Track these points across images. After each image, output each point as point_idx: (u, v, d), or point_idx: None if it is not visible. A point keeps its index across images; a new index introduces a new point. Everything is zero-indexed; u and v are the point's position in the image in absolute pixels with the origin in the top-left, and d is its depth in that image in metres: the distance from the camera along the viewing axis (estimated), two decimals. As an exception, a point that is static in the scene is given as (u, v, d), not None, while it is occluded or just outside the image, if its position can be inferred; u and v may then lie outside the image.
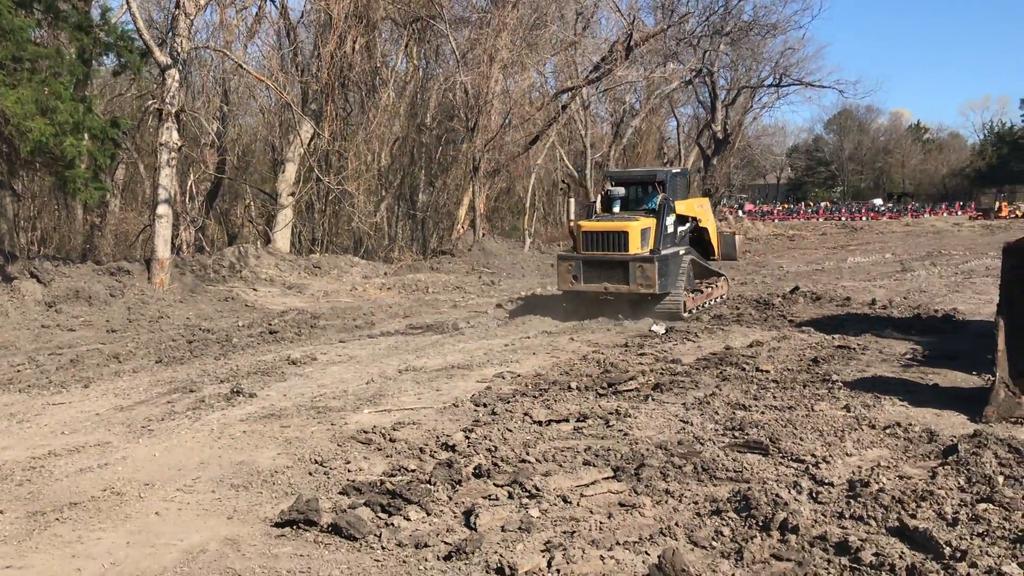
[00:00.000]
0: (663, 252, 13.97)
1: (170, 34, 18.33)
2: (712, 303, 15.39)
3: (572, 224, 15.47)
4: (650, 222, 14.36)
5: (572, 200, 17.21)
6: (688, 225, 15.61)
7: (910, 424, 6.53)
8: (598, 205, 15.73)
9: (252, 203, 29.10)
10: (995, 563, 3.93)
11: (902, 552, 4.18)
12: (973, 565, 3.92)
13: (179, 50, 17.62)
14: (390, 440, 6.49)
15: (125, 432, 7.09)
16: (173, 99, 17.39)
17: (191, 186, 23.86)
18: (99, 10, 18.87)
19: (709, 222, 16.63)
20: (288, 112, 22.99)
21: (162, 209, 17.41)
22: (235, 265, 19.47)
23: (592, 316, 14.03)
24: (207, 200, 26.02)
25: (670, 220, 14.63)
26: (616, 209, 15.21)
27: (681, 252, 14.64)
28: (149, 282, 16.74)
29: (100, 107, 20.78)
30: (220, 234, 28.70)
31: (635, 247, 13.93)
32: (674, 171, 16.16)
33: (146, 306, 15.03)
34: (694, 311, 14.51)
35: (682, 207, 15.37)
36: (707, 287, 15.57)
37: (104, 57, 19.61)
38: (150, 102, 19.32)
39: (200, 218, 24.73)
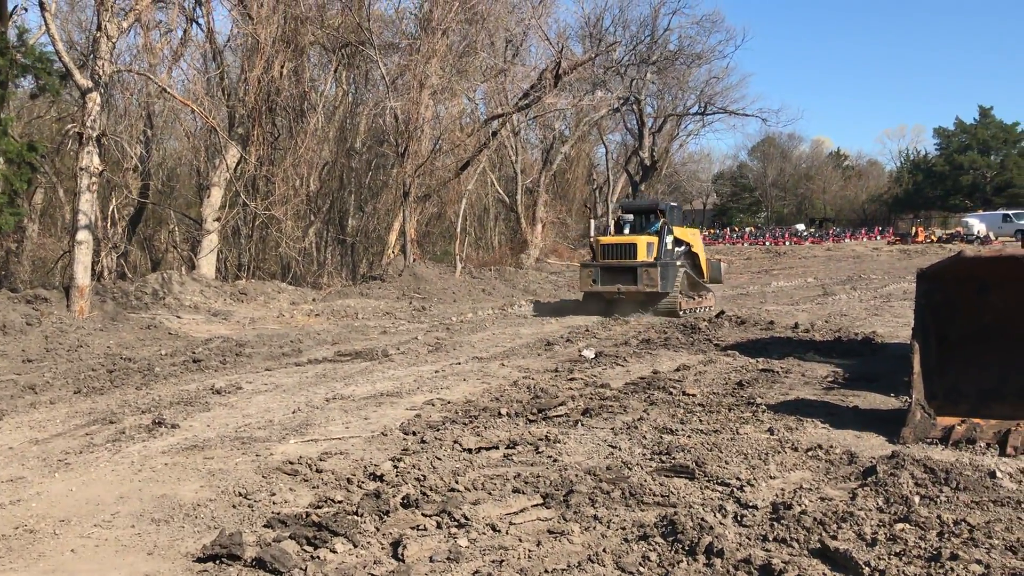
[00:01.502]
0: (664, 261, 18.04)
1: (91, 56, 17.96)
2: (703, 311, 18.60)
3: (592, 239, 19.82)
4: (654, 239, 18.49)
5: (593, 220, 22.51)
6: (683, 248, 19.49)
7: (831, 446, 6.67)
8: (612, 228, 20.18)
9: (176, 228, 28.59)
10: (911, 582, 4.03)
11: (823, 573, 4.26)
12: (891, 584, 4.01)
13: (101, 73, 17.26)
14: (317, 471, 6.39)
15: (40, 466, 6.84)
16: (94, 123, 17.01)
17: (113, 211, 23.35)
18: (16, 31, 18.38)
19: (699, 248, 20.45)
20: (214, 136, 22.69)
21: (82, 235, 16.97)
22: (158, 292, 19.05)
23: (607, 313, 18.00)
24: (129, 225, 25.48)
25: (669, 240, 18.69)
26: (626, 231, 19.45)
27: (678, 264, 18.66)
28: (68, 310, 16.26)
29: (17, 130, 20.24)
30: (143, 260, 28.12)
31: (642, 256, 18.10)
32: (672, 204, 20.57)
33: (64, 335, 14.58)
34: (687, 312, 17.99)
35: (678, 232, 19.36)
36: (698, 297, 19.13)
37: (21, 79, 19.15)
38: (70, 125, 18.93)
39: (122, 244, 24.19)
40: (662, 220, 18.87)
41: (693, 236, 20.39)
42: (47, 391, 10.34)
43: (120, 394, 10.07)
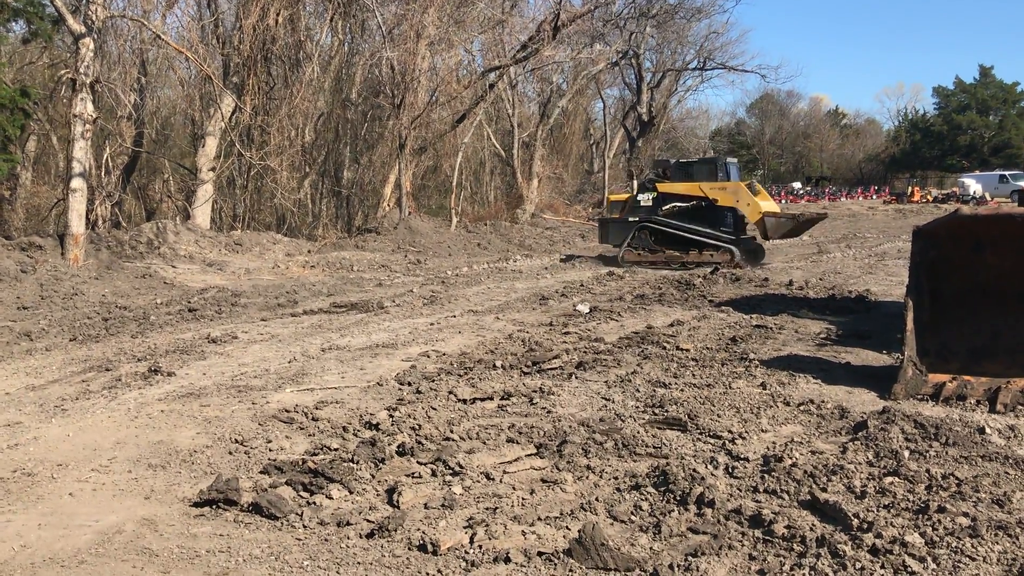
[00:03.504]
0: (613, 218, 19.89)
1: (84, 1, 17.69)
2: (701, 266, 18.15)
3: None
4: (625, 197, 20.05)
5: (635, 180, 23.19)
6: (691, 204, 19.28)
7: (823, 401, 6.73)
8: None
9: (171, 178, 28.43)
10: (899, 533, 4.09)
11: (813, 524, 4.32)
12: (879, 535, 4.07)
13: (94, 18, 17.02)
14: (312, 419, 6.44)
15: (37, 412, 6.89)
16: (88, 69, 16.81)
17: (107, 159, 23.15)
18: (7, -26, 18.08)
19: (736, 203, 18.98)
20: (209, 85, 22.44)
21: (76, 183, 16.86)
22: (153, 241, 19.01)
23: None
24: (124, 174, 25.28)
25: (643, 196, 19.66)
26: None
27: (631, 219, 19.62)
28: (63, 258, 16.22)
29: (8, 76, 20.00)
30: (138, 209, 28.00)
31: (605, 213, 20.44)
32: (683, 160, 21.84)
33: (59, 283, 14.56)
34: (636, 264, 19.11)
35: (681, 188, 19.52)
36: (679, 253, 19.36)
37: (12, 23, 18.88)
38: (63, 72, 18.68)
39: (116, 193, 24.02)
40: (645, 177, 20.05)
41: (723, 191, 19.18)
42: (43, 338, 10.36)
43: (116, 342, 10.10)
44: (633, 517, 4.53)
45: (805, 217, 19.43)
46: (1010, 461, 5.22)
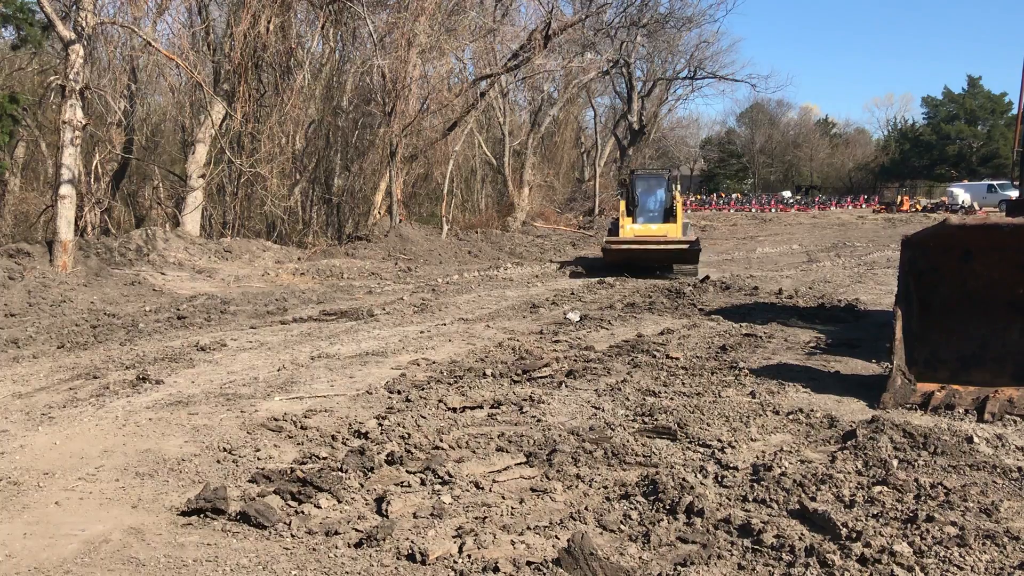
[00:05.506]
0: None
1: (74, 8, 17.63)
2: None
3: None
4: None
5: None
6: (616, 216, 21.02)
7: (812, 410, 6.74)
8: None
9: (161, 185, 28.28)
10: (887, 542, 4.10)
11: (802, 533, 4.33)
12: (867, 545, 4.08)
13: (84, 25, 16.95)
14: (301, 427, 6.41)
15: (24, 420, 6.84)
16: (77, 75, 16.73)
17: (96, 166, 23.03)
18: (-4, -20, 18.02)
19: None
20: (199, 92, 22.37)
21: (65, 189, 16.77)
22: (142, 248, 18.92)
23: None
24: (113, 181, 25.19)
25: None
26: None
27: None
28: (51, 265, 16.12)
29: (-2, 82, 19.95)
30: (127, 216, 27.86)
31: None
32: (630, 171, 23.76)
33: (47, 290, 14.48)
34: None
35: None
36: None
37: (2, 29, 18.82)
38: (53, 78, 18.64)
39: (106, 199, 23.91)
40: None
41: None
42: (30, 345, 10.30)
43: (104, 350, 10.04)
44: (622, 526, 4.52)
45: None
46: (998, 470, 5.24)
